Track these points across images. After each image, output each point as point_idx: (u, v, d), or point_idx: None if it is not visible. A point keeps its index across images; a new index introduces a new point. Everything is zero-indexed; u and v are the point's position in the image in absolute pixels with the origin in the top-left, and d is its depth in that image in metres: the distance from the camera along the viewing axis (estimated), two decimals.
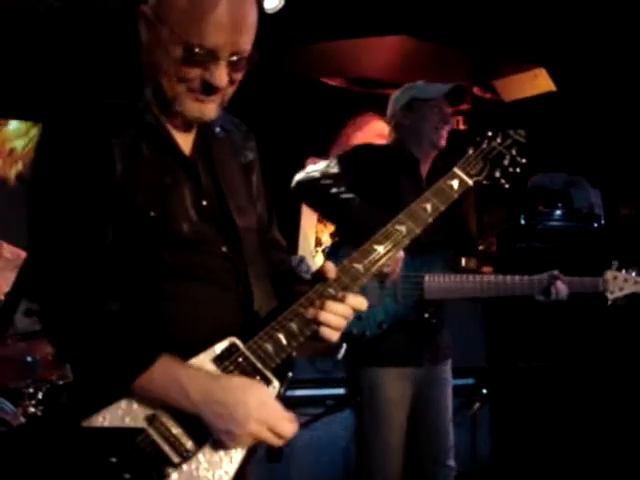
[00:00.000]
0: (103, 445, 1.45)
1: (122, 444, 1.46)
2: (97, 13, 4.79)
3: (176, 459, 1.47)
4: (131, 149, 1.62)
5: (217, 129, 1.79)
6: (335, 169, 2.99)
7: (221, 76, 1.59)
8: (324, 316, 1.59)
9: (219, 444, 1.48)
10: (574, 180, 5.18)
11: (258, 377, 1.53)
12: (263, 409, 1.49)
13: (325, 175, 2.99)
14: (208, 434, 1.48)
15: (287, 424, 1.51)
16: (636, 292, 3.07)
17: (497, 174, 1.82)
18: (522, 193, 5.19)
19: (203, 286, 1.63)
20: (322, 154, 3.91)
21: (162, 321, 1.59)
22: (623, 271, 3.06)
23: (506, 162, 1.83)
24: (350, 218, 2.89)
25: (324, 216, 3.23)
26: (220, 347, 1.53)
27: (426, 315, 2.97)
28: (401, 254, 2.65)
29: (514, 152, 1.85)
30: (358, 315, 2.46)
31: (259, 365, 1.54)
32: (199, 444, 1.49)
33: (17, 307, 3.77)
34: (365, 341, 2.90)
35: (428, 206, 1.71)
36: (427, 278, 2.93)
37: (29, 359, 4.00)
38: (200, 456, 1.49)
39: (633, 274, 3.07)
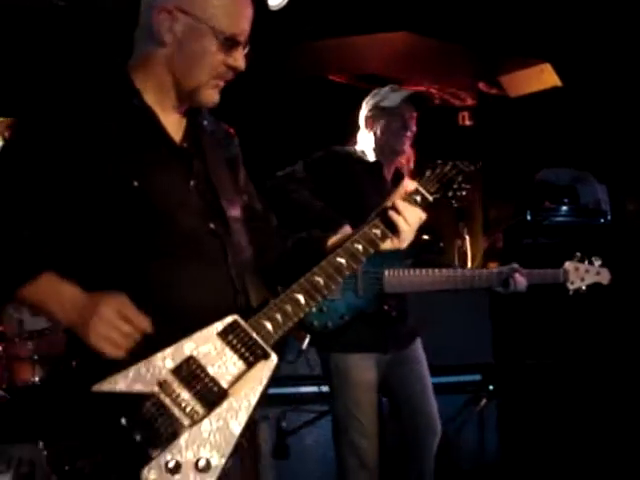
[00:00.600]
0: (114, 407, 1.55)
1: (132, 407, 1.56)
2: (100, 13, 4.79)
3: (186, 422, 1.58)
4: (117, 129, 1.72)
5: (205, 122, 1.91)
6: (301, 174, 3.15)
7: (243, 60, 1.77)
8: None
9: (227, 409, 1.61)
10: (580, 176, 5.17)
11: (259, 351, 1.67)
12: (111, 312, 1.61)
13: (290, 179, 3.14)
14: (217, 399, 1.61)
15: (141, 320, 1.62)
16: (597, 282, 3.16)
17: (449, 194, 2.03)
18: (528, 189, 5.18)
19: (191, 261, 1.73)
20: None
21: (152, 293, 1.69)
22: (586, 262, 3.15)
23: (455, 186, 2.03)
24: (310, 222, 2.92)
25: (287, 219, 3.29)
26: (224, 323, 1.67)
27: (386, 307, 3.09)
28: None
29: (461, 179, 2.04)
30: (320, 308, 2.91)
31: (260, 341, 1.69)
32: (209, 408, 1.60)
33: None
34: (328, 332, 3.04)
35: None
36: (387, 273, 3.05)
37: (37, 358, 4.01)
38: (209, 419, 1.60)
39: (597, 264, 3.15)
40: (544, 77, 5.33)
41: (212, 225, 1.79)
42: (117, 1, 4.51)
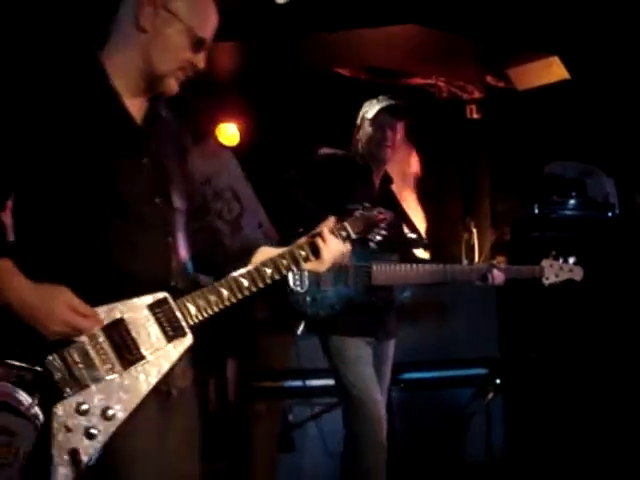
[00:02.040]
0: (45, 346, 1.78)
1: (60, 349, 1.79)
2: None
3: (103, 373, 1.81)
4: (81, 104, 1.90)
5: (163, 112, 2.11)
6: (297, 177, 3.45)
7: (203, 62, 2.03)
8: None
9: (140, 371, 1.84)
10: (588, 169, 5.16)
11: (179, 329, 1.90)
12: (65, 311, 1.79)
13: (287, 183, 3.44)
14: (134, 361, 1.84)
15: (84, 321, 1.81)
16: (570, 279, 3.48)
17: (369, 236, 2.36)
18: (536, 182, 5.17)
19: (132, 228, 1.92)
20: (334, 144, 3.91)
21: (94, 254, 1.88)
22: (560, 260, 3.47)
23: (376, 230, 2.35)
24: (303, 222, 3.20)
25: (284, 219, 3.61)
26: (155, 297, 1.88)
27: (373, 298, 3.38)
28: (348, 247, 2.98)
29: (382, 225, 2.37)
30: (313, 297, 3.28)
31: (182, 320, 1.91)
32: (125, 367, 1.83)
33: None
34: (320, 320, 3.37)
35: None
36: (375, 267, 3.35)
37: None
38: (123, 376, 1.83)
39: (570, 261, 3.47)
40: (552, 70, 5.30)
41: (157, 200, 1.98)
42: None
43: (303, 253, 2.15)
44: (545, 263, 3.47)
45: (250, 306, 4.42)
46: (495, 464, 4.39)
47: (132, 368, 1.83)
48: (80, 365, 1.80)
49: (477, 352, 4.48)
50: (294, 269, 2.14)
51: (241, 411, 4.45)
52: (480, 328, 4.46)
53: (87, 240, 1.88)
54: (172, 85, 2.02)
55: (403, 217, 3.70)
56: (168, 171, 2.04)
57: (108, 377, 1.81)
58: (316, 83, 5.51)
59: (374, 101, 3.52)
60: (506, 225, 5.28)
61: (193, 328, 1.93)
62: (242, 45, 5.23)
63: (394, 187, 3.71)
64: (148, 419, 1.89)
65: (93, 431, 1.77)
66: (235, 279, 2.03)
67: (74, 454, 1.76)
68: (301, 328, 3.45)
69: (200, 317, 1.95)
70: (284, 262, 2.11)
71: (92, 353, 1.81)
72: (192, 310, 1.94)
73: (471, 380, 4.45)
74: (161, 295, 1.89)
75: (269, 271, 2.08)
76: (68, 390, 1.78)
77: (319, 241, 2.17)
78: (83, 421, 1.77)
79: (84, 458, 1.76)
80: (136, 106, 2.01)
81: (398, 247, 3.47)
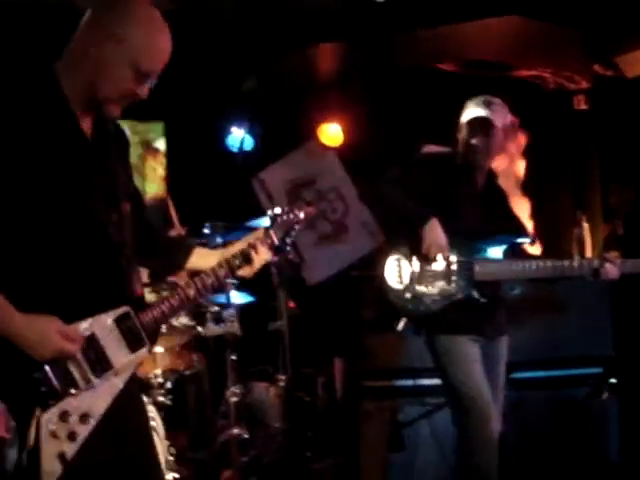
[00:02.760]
0: (31, 365, 1.97)
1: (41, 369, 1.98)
2: (212, 15, 4.90)
3: (81, 383, 2.03)
4: (39, 123, 2.00)
5: (110, 125, 2.21)
6: (397, 177, 3.42)
7: (146, 92, 2.12)
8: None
9: (110, 381, 2.07)
10: None
11: (141, 340, 2.13)
12: (57, 339, 1.98)
13: (386, 182, 3.42)
14: (105, 372, 2.06)
15: (73, 345, 2.01)
16: None
17: (287, 241, 2.49)
18: None
19: (95, 247, 2.09)
20: (437, 141, 3.88)
21: (59, 275, 2.03)
22: None
23: (292, 233, 2.49)
24: (401, 221, 3.35)
25: (383, 219, 3.65)
26: (119, 311, 2.11)
27: (476, 295, 3.29)
28: (444, 242, 3.22)
29: (296, 227, 2.50)
30: (412, 294, 3.27)
31: (142, 332, 2.13)
32: (98, 377, 2.06)
33: None
34: (421, 316, 3.34)
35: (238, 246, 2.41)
36: (477, 262, 3.30)
37: (158, 350, 4.16)
38: (96, 386, 2.06)
39: None
40: None
41: (114, 216, 2.14)
42: (228, 2, 4.61)
43: (237, 262, 2.37)
44: None
45: (357, 306, 4.44)
46: (610, 468, 4.26)
47: (103, 376, 2.07)
48: (60, 379, 2.01)
49: (591, 350, 4.36)
50: (229, 276, 2.38)
51: (350, 410, 4.47)
52: (594, 325, 4.34)
53: (56, 258, 2.03)
54: (113, 110, 2.10)
55: (509, 213, 3.62)
56: (117, 182, 2.17)
57: (84, 387, 2.04)
58: (417, 80, 5.48)
59: (471, 102, 3.44)
60: (618, 218, 5.13)
61: (153, 336, 2.17)
62: (343, 45, 5.26)
63: (500, 182, 3.64)
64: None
65: (74, 435, 2.01)
66: (201, 279, 2.29)
67: (62, 456, 1.98)
68: (401, 325, 3.38)
69: (163, 322, 2.24)
70: (222, 271, 2.33)
71: (71, 367, 2.03)
72: (153, 317, 2.16)
73: (585, 379, 4.33)
74: (123, 310, 2.11)
75: (210, 281, 2.30)
76: (52, 401, 1.99)
77: (251, 251, 2.39)
78: (66, 427, 2.00)
79: (69, 458, 2.00)
80: (87, 122, 2.11)
81: (503, 243, 3.40)
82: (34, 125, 1.98)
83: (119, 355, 2.10)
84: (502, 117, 3.38)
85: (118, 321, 2.11)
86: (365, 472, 4.27)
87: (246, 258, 2.38)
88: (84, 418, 2.03)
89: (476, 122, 3.35)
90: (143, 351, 2.14)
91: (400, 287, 3.30)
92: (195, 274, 2.33)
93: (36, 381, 1.97)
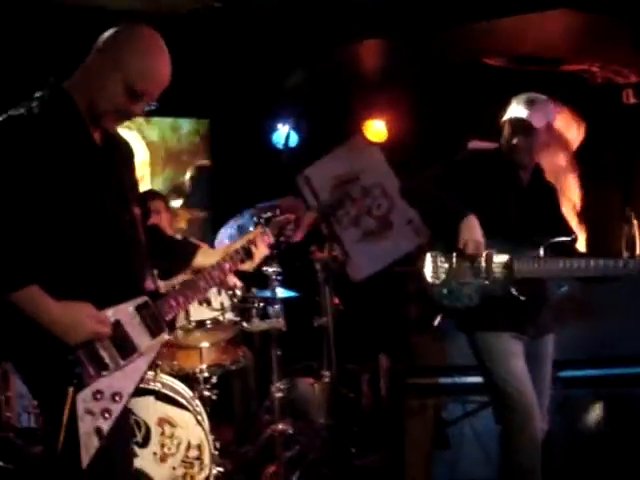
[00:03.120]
0: (65, 349, 2.18)
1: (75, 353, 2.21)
2: (257, 11, 4.91)
3: (111, 366, 2.25)
4: (62, 138, 2.26)
5: (116, 136, 2.50)
6: (439, 174, 3.42)
7: (141, 111, 2.36)
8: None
9: (136, 363, 2.30)
10: None
11: (160, 326, 2.37)
12: (91, 322, 2.22)
13: (428, 179, 3.43)
14: (131, 355, 2.29)
15: (104, 328, 2.24)
16: None
17: (282, 239, 2.81)
18: None
19: (117, 244, 2.33)
20: (484, 136, 3.85)
21: (87, 270, 2.27)
22: None
23: (287, 230, 2.82)
24: (441, 217, 3.35)
25: (424, 215, 3.61)
26: (139, 300, 2.35)
27: (514, 292, 3.26)
28: (481, 239, 3.22)
29: (290, 226, 2.83)
30: (449, 290, 3.30)
31: (161, 319, 2.38)
32: (125, 360, 2.28)
33: None
34: (458, 312, 3.33)
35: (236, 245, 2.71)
36: (516, 259, 3.27)
37: (204, 345, 4.20)
38: (125, 368, 2.28)
39: None
40: None
41: (127, 216, 2.39)
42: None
43: (239, 256, 2.66)
44: None
45: (402, 302, 4.43)
46: None
47: (129, 359, 2.29)
48: (92, 361, 2.22)
49: None
50: (233, 269, 2.66)
51: (395, 407, 4.46)
52: None
53: (81, 252, 2.27)
54: (109, 124, 2.35)
55: (553, 211, 3.56)
56: (125, 187, 2.42)
57: (113, 368, 2.25)
58: (464, 75, 5.44)
59: (515, 99, 3.41)
60: None
61: (171, 323, 2.42)
62: (388, 41, 5.25)
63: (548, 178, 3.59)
64: None
65: (108, 411, 2.22)
66: (209, 272, 2.58)
67: (99, 431, 2.19)
68: (438, 319, 3.38)
69: (179, 311, 2.46)
70: (226, 265, 2.61)
71: (101, 351, 2.24)
72: (168, 308, 2.41)
73: (636, 379, 4.26)
74: (143, 299, 2.35)
75: (216, 273, 2.59)
76: (86, 381, 2.20)
77: (252, 247, 2.68)
78: (100, 405, 2.21)
79: (105, 433, 2.20)
80: (97, 133, 2.36)
81: (544, 240, 3.34)
82: (61, 140, 2.25)
83: (142, 339, 2.32)
84: (544, 116, 3.34)
85: (139, 309, 2.33)
86: (409, 469, 4.26)
87: (247, 252, 2.68)
88: (115, 397, 2.24)
89: (517, 122, 3.33)
90: (163, 336, 2.38)
91: (437, 282, 3.30)
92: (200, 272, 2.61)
93: (70, 363, 2.18)
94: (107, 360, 2.24)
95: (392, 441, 4.46)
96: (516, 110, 3.35)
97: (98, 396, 2.21)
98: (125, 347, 2.28)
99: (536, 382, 3.32)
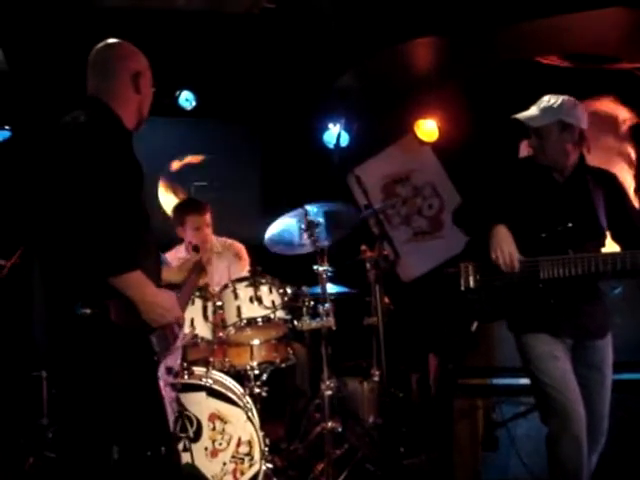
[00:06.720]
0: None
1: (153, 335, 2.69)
2: (308, 12, 4.94)
3: (172, 345, 2.79)
4: (121, 149, 2.73)
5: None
6: (479, 189, 3.49)
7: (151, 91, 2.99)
8: None
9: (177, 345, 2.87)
10: None
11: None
12: (177, 308, 2.75)
13: (470, 200, 3.55)
14: (177, 338, 2.82)
15: (181, 313, 2.82)
16: None
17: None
18: None
19: (150, 241, 2.84)
20: None
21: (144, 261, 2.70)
22: None
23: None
24: (476, 225, 3.42)
25: (464, 225, 3.58)
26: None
27: (542, 294, 3.26)
28: (511, 247, 3.26)
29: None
30: (480, 294, 3.38)
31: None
32: (175, 342, 2.81)
33: None
34: (490, 316, 3.45)
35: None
36: (541, 260, 3.27)
37: (255, 342, 4.25)
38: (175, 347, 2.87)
39: None
40: None
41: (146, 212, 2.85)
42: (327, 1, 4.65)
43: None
44: None
45: (451, 303, 4.41)
46: None
47: (178, 342, 2.84)
48: (162, 342, 2.69)
49: None
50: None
51: (444, 407, 4.45)
52: None
53: (136, 241, 2.69)
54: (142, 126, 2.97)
55: (589, 211, 3.39)
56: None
57: (173, 349, 2.78)
58: (517, 74, 5.40)
59: (535, 105, 3.40)
60: None
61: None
62: (440, 40, 5.23)
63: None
64: None
65: (174, 385, 2.89)
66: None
67: (177, 399, 3.04)
68: (475, 326, 3.54)
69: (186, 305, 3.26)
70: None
71: (167, 334, 2.74)
72: (186, 297, 3.13)
73: None
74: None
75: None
76: (162, 358, 2.69)
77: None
78: (169, 379, 2.79)
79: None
80: None
81: (573, 240, 3.30)
82: (121, 151, 2.70)
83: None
84: (545, 116, 3.31)
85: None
86: (458, 469, 4.25)
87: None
88: (172, 371, 2.82)
89: (525, 126, 3.37)
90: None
91: (470, 287, 3.37)
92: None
93: (152, 344, 2.64)
94: (170, 341, 2.72)
95: (441, 442, 4.45)
96: (526, 112, 3.39)
97: (167, 370, 2.74)
98: (173, 331, 2.79)
99: (584, 389, 3.27)
